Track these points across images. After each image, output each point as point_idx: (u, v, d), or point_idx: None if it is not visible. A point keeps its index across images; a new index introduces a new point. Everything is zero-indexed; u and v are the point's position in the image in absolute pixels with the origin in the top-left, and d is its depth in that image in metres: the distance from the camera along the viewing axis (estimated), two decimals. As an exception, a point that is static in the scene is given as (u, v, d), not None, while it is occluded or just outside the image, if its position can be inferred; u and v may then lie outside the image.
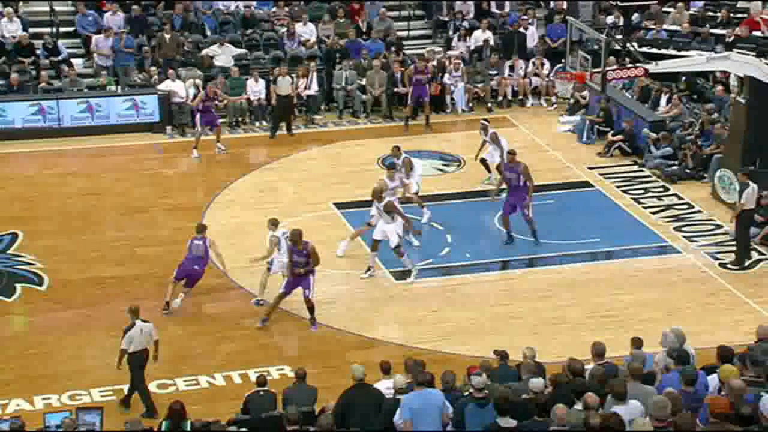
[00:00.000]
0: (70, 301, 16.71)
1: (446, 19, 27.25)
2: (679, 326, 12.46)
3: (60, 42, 24.96)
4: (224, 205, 20.08)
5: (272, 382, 13.39)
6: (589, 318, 16.26)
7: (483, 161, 20.75)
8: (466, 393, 11.12)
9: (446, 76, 24.93)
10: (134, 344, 13.71)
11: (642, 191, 20.85)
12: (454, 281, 17.45)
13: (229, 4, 26.61)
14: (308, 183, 20.97)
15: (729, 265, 17.88)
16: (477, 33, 26.21)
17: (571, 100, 24.87)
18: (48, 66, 24.40)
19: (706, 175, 20.88)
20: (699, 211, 19.90)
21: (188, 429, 11.22)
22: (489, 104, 25.14)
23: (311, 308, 15.87)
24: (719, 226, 19.14)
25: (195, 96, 23.20)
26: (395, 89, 24.64)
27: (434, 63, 25.01)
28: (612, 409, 10.09)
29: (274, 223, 16.66)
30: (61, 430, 11.37)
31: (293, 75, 23.79)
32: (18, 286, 17.16)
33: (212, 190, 20.65)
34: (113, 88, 24.05)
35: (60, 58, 24.64)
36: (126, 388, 13.99)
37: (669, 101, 23.27)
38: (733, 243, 18.15)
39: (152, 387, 14.26)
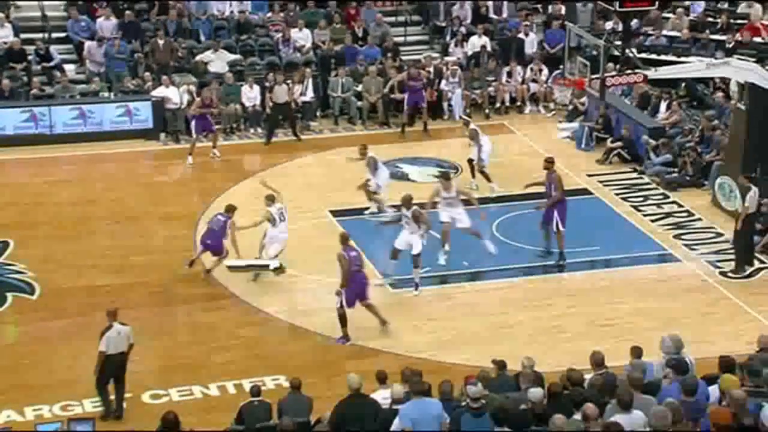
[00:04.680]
0: (63, 310, 16.67)
1: (443, 24, 27.30)
2: (678, 333, 12.48)
3: (52, 48, 24.96)
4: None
5: (267, 393, 13.34)
6: (589, 327, 16.27)
7: (470, 162, 20.80)
8: (463, 403, 11.12)
9: (443, 82, 24.97)
10: (113, 346, 13.68)
11: (642, 199, 20.87)
12: (452, 290, 17.45)
13: (224, 9, 26.64)
14: (304, 190, 20.97)
15: (730, 274, 17.90)
16: (474, 38, 26.25)
17: (570, 107, 24.91)
18: (40, 72, 24.42)
19: (706, 182, 20.91)
20: (699, 219, 19.92)
21: (182, 440, 11.21)
22: (487, 111, 25.17)
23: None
24: (720, 234, 19.15)
25: (189, 102, 23.24)
26: (391, 95, 24.67)
27: (430, 69, 25.05)
28: (614, 417, 10.10)
29: (270, 199, 17.14)
30: (53, 440, 11.36)
31: (289, 82, 23.81)
32: (9, 295, 17.12)
33: (207, 198, 20.64)
34: (106, 94, 24.06)
35: (52, 63, 24.65)
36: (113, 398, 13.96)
37: (668, 108, 23.32)
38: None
39: (145, 397, 14.27)
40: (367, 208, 19.77)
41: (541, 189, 18.32)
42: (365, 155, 19.63)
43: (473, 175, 20.82)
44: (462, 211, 17.99)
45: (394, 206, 18.97)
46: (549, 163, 18.30)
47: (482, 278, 17.87)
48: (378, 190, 19.61)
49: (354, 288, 15.59)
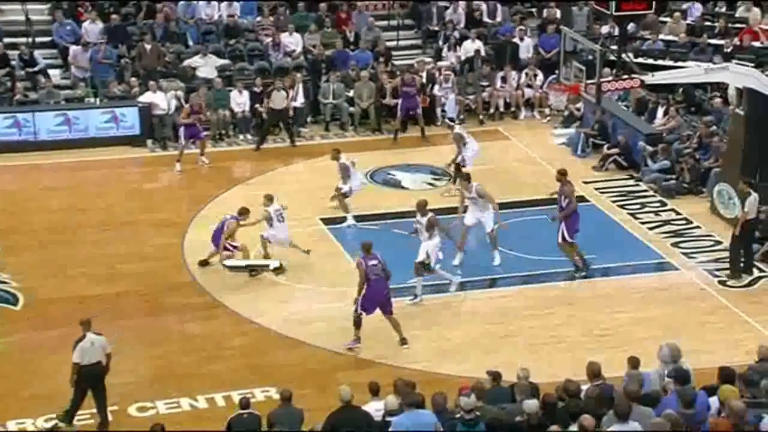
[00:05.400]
0: (49, 320, 16.60)
1: (436, 28, 27.35)
2: (676, 342, 12.53)
3: (36, 52, 24.93)
4: (209, 220, 20.01)
5: (257, 405, 13.35)
6: (586, 336, 16.29)
7: (458, 168, 20.88)
8: (457, 415, 11.14)
9: (436, 87, 25.01)
10: (87, 357, 13.62)
11: (639, 206, 20.91)
12: (446, 299, 17.46)
13: (212, 13, 26.65)
14: (295, 197, 20.95)
15: (729, 283, 17.94)
16: (467, 43, 26.29)
17: (565, 112, 24.96)
18: (24, 77, 24.39)
19: (704, 189, 20.96)
20: (698, 227, 19.96)
21: (171, 453, 11.19)
22: (481, 116, 25.20)
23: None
24: (718, 242, 19.20)
25: (177, 108, 23.25)
26: (384, 101, 24.70)
27: (423, 74, 25.06)
28: (611, 429, 10.13)
29: (269, 198, 17.79)
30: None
31: (280, 85, 23.79)
32: (-8, 305, 17.11)
33: (196, 205, 20.65)
34: (92, 100, 24.03)
35: (36, 68, 24.61)
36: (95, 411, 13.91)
37: (666, 113, 23.37)
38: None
39: (131, 410, 14.25)
40: (344, 218, 19.83)
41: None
42: (338, 159, 19.78)
43: (459, 176, 20.96)
44: (489, 215, 18.13)
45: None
46: (561, 174, 18.13)
47: (478, 287, 17.85)
48: (349, 194, 19.76)
49: (370, 295, 15.61)
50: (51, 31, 25.62)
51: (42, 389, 14.87)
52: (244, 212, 18.03)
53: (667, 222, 20.26)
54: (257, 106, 24.11)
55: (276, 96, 23.47)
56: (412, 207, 19.53)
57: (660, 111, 23.53)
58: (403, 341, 15.89)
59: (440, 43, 26.85)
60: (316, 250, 18.61)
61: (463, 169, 20.76)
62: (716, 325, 16.78)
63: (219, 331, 16.51)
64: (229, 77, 24.96)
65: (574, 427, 10.37)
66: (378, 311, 15.78)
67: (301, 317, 16.77)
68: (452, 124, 21.67)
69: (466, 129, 22.09)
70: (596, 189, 21.57)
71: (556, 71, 24.39)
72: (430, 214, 17.15)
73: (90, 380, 13.67)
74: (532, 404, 10.89)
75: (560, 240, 17.85)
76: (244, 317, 16.81)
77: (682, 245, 19.29)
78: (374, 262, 15.66)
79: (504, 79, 25.60)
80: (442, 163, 22.45)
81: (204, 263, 18.02)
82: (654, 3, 22.34)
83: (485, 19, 27.58)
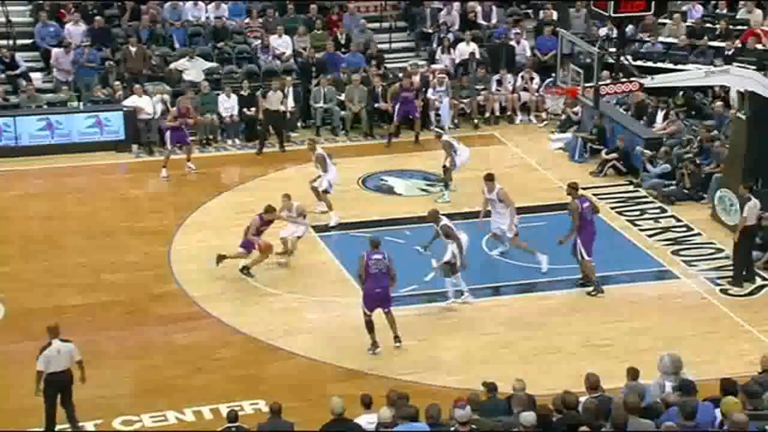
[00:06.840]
0: (30, 331, 16.53)
1: (430, 31, 27.39)
2: (677, 352, 12.54)
3: (18, 55, 24.91)
4: (195, 227, 20.05)
5: (246, 418, 13.35)
6: (584, 347, 16.31)
7: (445, 168, 20.98)
8: (452, 428, 11.13)
9: (430, 90, 25.03)
10: (53, 365, 13.51)
11: (638, 213, 20.95)
12: (440, 308, 17.46)
13: (199, 14, 26.66)
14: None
15: (731, 291, 17.96)
16: (462, 45, 26.34)
17: (563, 117, 25.00)
18: (4, 80, 24.37)
19: (705, 195, 21.00)
20: (698, 234, 20.00)
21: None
22: (476, 121, 25.23)
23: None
24: (720, 250, 19.24)
25: (163, 112, 23.24)
26: (376, 105, 24.72)
27: (416, 77, 25.07)
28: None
29: (288, 197, 18.35)
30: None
31: (279, 87, 23.78)
32: (-28, 315, 17.08)
33: (182, 212, 20.64)
34: (75, 104, 24.01)
35: (17, 72, 24.60)
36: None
37: (666, 117, 23.42)
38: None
39: (116, 423, 14.22)
40: (333, 226, 19.84)
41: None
42: (314, 150, 20.04)
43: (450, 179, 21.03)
44: (508, 220, 18.20)
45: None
46: (571, 188, 17.99)
47: (474, 296, 17.83)
48: (329, 189, 19.87)
49: (370, 290, 15.71)
50: (32, 33, 25.59)
51: (23, 402, 14.81)
52: (270, 210, 18.15)
53: (667, 229, 20.29)
54: (245, 110, 24.11)
55: (272, 96, 23.45)
56: (405, 213, 19.64)
57: (660, 115, 23.58)
58: (396, 338, 15.96)
59: (434, 45, 26.89)
60: (307, 259, 18.59)
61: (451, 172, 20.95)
62: (718, 334, 16.81)
63: (206, 341, 16.49)
64: (217, 80, 24.97)
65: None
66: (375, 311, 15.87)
67: (291, 327, 16.76)
68: (441, 132, 21.71)
69: (461, 133, 22.12)
70: (595, 195, 21.55)
71: (553, 74, 24.40)
72: (443, 222, 17.18)
73: (56, 388, 13.54)
74: (528, 417, 10.88)
75: (579, 258, 17.79)
76: (231, 327, 16.79)
77: (682, 253, 19.32)
78: (378, 256, 15.77)
79: (499, 83, 25.64)
80: (435, 169, 22.48)
81: (221, 258, 18.07)
82: (653, 4, 22.39)
83: (480, 21, 27.64)
